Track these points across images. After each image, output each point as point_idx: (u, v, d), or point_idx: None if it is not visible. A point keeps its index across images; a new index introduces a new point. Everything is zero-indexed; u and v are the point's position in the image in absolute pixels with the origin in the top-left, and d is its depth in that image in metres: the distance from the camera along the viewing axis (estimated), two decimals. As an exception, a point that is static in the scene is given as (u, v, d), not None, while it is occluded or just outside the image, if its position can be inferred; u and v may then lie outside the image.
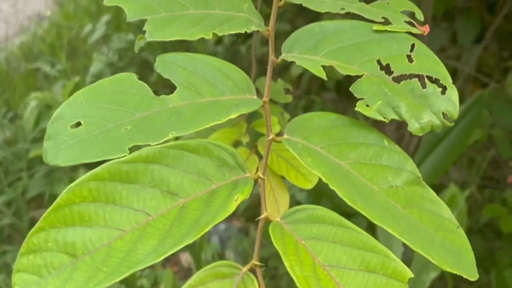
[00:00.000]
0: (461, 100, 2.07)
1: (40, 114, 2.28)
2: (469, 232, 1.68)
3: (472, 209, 1.76)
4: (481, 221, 1.79)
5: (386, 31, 0.48)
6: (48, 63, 2.46)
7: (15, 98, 2.44)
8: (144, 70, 2.32)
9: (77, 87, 2.37)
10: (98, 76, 2.44)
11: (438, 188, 1.89)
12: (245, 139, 0.76)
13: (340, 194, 0.41)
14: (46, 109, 2.30)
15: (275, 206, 0.75)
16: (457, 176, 1.89)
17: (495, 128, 1.69)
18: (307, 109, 2.38)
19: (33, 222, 2.13)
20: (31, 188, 2.14)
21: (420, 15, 0.50)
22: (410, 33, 0.48)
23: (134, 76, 0.46)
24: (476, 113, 1.45)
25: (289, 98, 0.85)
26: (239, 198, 0.42)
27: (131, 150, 0.42)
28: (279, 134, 0.76)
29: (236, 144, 0.77)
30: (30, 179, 2.16)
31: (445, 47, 2.27)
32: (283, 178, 0.75)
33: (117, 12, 2.49)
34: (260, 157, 0.75)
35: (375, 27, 0.48)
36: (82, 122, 0.44)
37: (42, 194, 2.14)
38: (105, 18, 2.45)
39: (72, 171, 2.17)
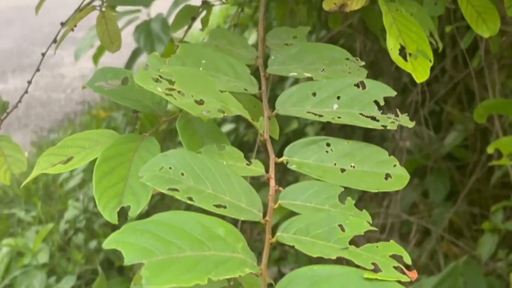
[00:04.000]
0: (434, 259, 2.08)
1: (11, 262, 2.24)
2: None
3: None
4: None
5: (376, 279, 0.49)
6: (22, 209, 2.46)
7: (-14, 244, 2.40)
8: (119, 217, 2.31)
9: (50, 234, 2.36)
10: (72, 223, 2.43)
11: None
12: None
13: None
14: (18, 256, 2.26)
15: None
16: None
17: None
18: (280, 260, 2.37)
19: None
20: None
21: (408, 259, 0.52)
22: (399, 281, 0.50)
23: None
24: (451, 284, 1.47)
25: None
26: None
27: None
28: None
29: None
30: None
31: (417, 202, 2.32)
32: None
33: (94, 160, 2.51)
34: None
35: (366, 274, 0.49)
36: None
37: None
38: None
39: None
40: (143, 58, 2.61)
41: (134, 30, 2.37)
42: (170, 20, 2.37)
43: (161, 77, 0.58)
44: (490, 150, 1.08)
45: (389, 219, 2.14)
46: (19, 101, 0.94)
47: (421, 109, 1.93)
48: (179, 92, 0.57)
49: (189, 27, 0.99)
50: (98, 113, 3.29)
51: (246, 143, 2.61)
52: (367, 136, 2.17)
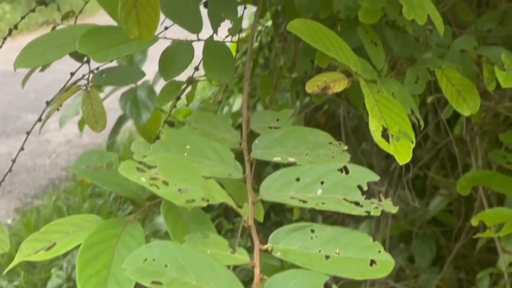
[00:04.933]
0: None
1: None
2: None
3: None
4: None
5: None
6: (5, 278, 2.42)
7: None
8: None
9: (32, 305, 2.32)
10: (55, 292, 2.39)
11: None
12: None
13: None
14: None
15: None
16: None
17: None
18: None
19: None
20: None
21: None
22: None
23: None
24: None
25: None
26: None
27: None
28: None
29: None
30: None
31: (403, 267, 2.31)
32: None
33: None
34: None
35: None
36: None
37: None
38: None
39: None
40: (128, 124, 2.62)
41: (120, 97, 2.39)
42: (156, 87, 2.39)
43: (145, 165, 0.59)
44: (474, 222, 1.08)
45: (376, 285, 2.12)
46: (3, 179, 0.94)
47: (405, 174, 1.94)
48: (163, 181, 0.57)
49: (174, 105, 1.00)
50: (83, 179, 3.28)
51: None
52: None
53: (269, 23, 2.33)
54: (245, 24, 2.55)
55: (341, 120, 2.17)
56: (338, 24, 0.99)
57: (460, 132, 1.68)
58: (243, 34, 2.43)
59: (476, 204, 1.88)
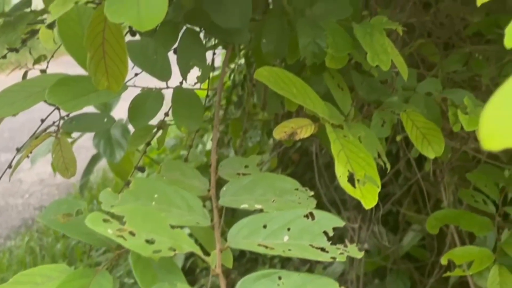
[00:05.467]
0: None
1: None
2: None
3: None
4: None
5: None
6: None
7: None
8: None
9: None
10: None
11: None
12: None
13: None
14: None
15: None
16: None
17: None
18: None
19: None
20: None
21: None
22: None
23: None
24: None
25: None
26: None
27: None
28: None
29: None
30: None
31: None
32: None
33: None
34: None
35: None
36: None
37: None
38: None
39: None
40: (102, 163, 2.61)
41: (94, 135, 2.38)
42: (130, 125, 2.39)
43: (113, 215, 0.59)
44: (443, 261, 1.09)
45: (351, 323, 2.12)
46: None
47: (378, 210, 1.96)
48: (130, 232, 0.57)
49: (145, 151, 1.00)
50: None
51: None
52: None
53: (242, 60, 2.36)
54: (218, 61, 2.58)
55: (313, 157, 2.19)
56: (306, 68, 1.01)
57: (429, 170, 1.70)
58: (216, 72, 2.46)
59: (448, 239, 1.90)
